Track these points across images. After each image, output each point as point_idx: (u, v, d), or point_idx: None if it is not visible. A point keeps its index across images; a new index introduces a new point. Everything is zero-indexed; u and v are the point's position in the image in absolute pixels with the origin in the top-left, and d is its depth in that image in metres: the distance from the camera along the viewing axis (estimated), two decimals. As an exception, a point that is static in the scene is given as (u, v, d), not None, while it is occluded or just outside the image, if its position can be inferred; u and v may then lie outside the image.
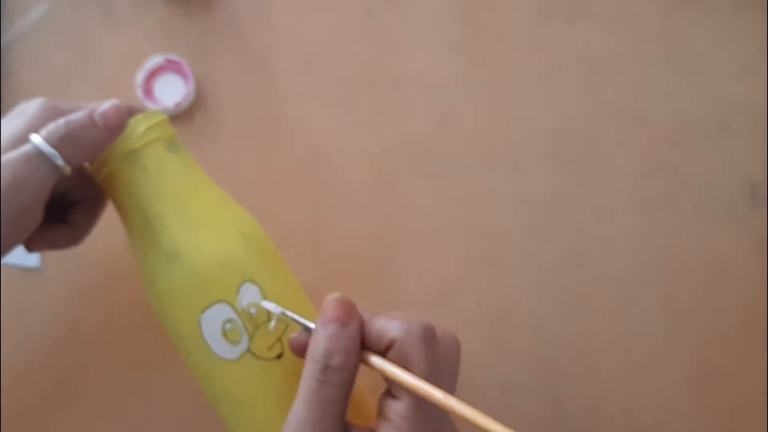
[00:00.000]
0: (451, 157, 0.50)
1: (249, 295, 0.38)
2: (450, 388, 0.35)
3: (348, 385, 0.33)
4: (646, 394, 0.46)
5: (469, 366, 0.47)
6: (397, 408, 0.33)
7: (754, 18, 0.51)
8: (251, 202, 0.49)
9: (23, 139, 0.36)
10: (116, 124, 0.37)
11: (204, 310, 0.38)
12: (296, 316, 0.37)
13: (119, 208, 0.40)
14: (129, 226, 0.39)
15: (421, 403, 0.32)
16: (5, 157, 0.36)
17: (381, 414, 0.34)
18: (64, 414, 0.47)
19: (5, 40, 0.52)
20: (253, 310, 0.38)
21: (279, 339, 0.38)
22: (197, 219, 0.39)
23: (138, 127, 0.38)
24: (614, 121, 0.50)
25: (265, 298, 0.38)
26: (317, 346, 0.33)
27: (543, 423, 0.46)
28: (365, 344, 0.34)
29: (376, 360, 0.34)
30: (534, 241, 0.48)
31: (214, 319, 0.38)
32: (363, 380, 0.39)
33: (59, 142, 0.36)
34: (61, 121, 0.36)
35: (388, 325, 0.33)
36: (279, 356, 0.38)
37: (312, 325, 0.35)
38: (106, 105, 0.37)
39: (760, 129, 0.50)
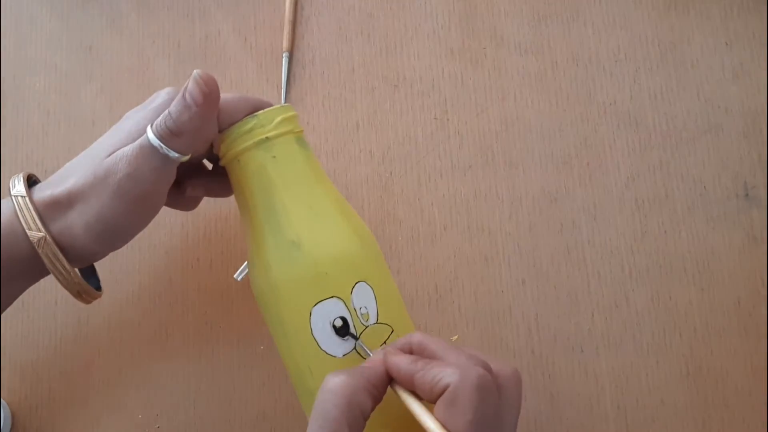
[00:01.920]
0: (449, 157, 0.50)
1: (363, 295, 0.38)
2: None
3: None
4: (639, 389, 0.47)
5: (466, 362, 0.47)
6: None
7: (746, 22, 0.52)
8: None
9: (142, 131, 0.38)
10: (203, 96, 0.37)
11: (317, 303, 0.37)
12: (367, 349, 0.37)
13: (242, 191, 0.40)
14: (249, 211, 0.39)
15: None
16: (123, 150, 0.37)
17: None
18: (69, 410, 0.47)
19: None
20: (363, 310, 0.38)
21: (384, 343, 0.38)
22: (320, 213, 0.39)
23: (274, 116, 0.39)
24: (608, 122, 0.51)
25: (377, 299, 0.38)
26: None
27: (538, 418, 0.46)
28: (420, 390, 0.34)
29: (400, 391, 0.34)
30: (529, 240, 0.49)
31: (325, 314, 0.37)
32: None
33: (165, 134, 0.37)
34: (167, 111, 0.37)
35: (443, 373, 0.33)
36: None
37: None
38: (188, 81, 0.37)
39: (752, 130, 0.50)
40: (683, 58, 0.51)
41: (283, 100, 0.51)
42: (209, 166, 0.45)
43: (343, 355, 0.37)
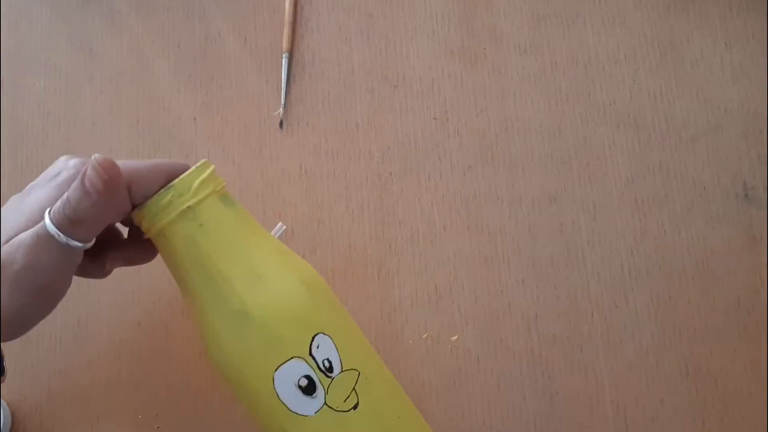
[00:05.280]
0: (448, 157, 0.51)
1: (322, 347, 0.37)
2: None
3: None
4: (639, 389, 0.47)
5: (466, 362, 0.47)
6: None
7: (745, 22, 0.52)
8: (252, 203, 0.50)
9: (43, 213, 0.35)
10: (103, 184, 0.34)
11: (277, 368, 0.36)
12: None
13: (174, 265, 0.38)
14: (187, 285, 0.37)
15: None
16: (20, 237, 0.35)
17: None
18: (69, 410, 0.47)
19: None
20: (326, 363, 0.36)
21: (353, 389, 0.37)
22: (261, 273, 0.37)
23: (192, 182, 0.37)
24: (607, 122, 0.51)
25: (337, 347, 0.37)
26: None
27: (538, 418, 0.47)
28: None
29: None
30: (529, 240, 0.49)
31: (288, 376, 0.36)
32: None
33: (64, 222, 0.34)
34: (65, 197, 0.34)
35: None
36: (355, 407, 0.37)
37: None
38: (86, 167, 0.34)
39: (752, 130, 0.50)
40: (683, 58, 0.52)
41: (282, 101, 0.51)
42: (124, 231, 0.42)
43: (315, 412, 0.36)
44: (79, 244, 0.35)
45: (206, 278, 0.36)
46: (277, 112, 0.52)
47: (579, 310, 0.48)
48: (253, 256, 0.37)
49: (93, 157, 0.34)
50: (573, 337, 0.48)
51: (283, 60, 0.52)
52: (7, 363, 0.40)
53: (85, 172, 0.34)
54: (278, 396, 0.36)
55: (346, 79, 0.52)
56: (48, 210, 0.35)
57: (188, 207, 0.36)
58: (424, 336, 0.48)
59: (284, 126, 0.51)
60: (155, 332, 0.48)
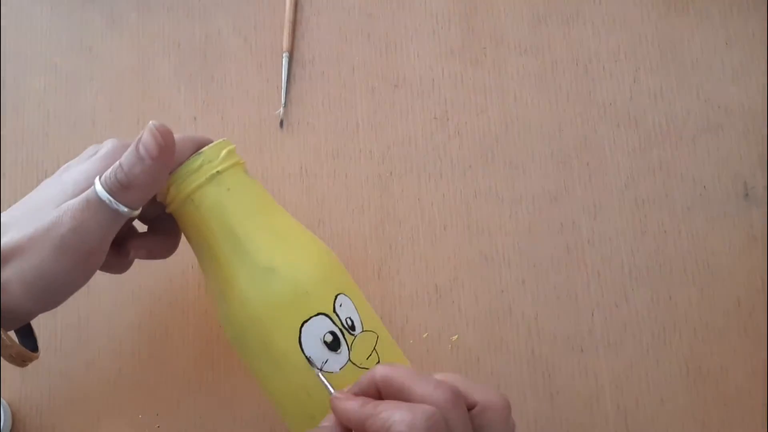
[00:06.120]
0: (449, 157, 0.51)
1: (345, 306, 0.38)
2: None
3: None
4: (639, 389, 0.47)
5: (466, 362, 0.48)
6: None
7: (746, 22, 0.52)
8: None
9: (90, 182, 0.36)
10: (158, 149, 0.35)
11: (304, 323, 0.37)
12: (327, 384, 0.36)
13: (199, 232, 0.39)
14: (212, 249, 0.38)
15: None
16: (69, 203, 0.35)
17: None
18: (69, 410, 0.47)
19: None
20: (348, 321, 0.38)
21: (374, 349, 0.38)
22: (286, 236, 0.39)
23: (220, 150, 0.39)
24: (608, 121, 0.51)
25: (357, 308, 0.39)
26: None
27: (538, 417, 0.47)
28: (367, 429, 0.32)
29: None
30: (530, 240, 0.49)
31: (314, 332, 0.37)
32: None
33: (115, 187, 0.35)
34: (117, 163, 0.35)
35: (392, 418, 0.31)
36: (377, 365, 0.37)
37: (333, 392, 0.35)
38: (143, 132, 0.36)
39: (752, 130, 0.50)
40: (683, 58, 0.52)
41: (283, 100, 0.51)
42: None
43: (340, 369, 0.37)
44: (126, 210, 0.36)
45: (233, 239, 0.38)
46: (277, 112, 0.52)
47: (579, 310, 0.48)
48: (277, 221, 0.39)
49: (150, 123, 0.35)
50: (573, 337, 0.48)
51: (284, 60, 0.52)
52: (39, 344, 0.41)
53: (140, 138, 0.35)
54: (303, 351, 0.37)
55: (346, 79, 0.52)
56: (98, 177, 0.36)
57: (217, 172, 0.38)
58: (425, 336, 0.48)
59: (284, 126, 0.51)
60: (155, 332, 0.48)
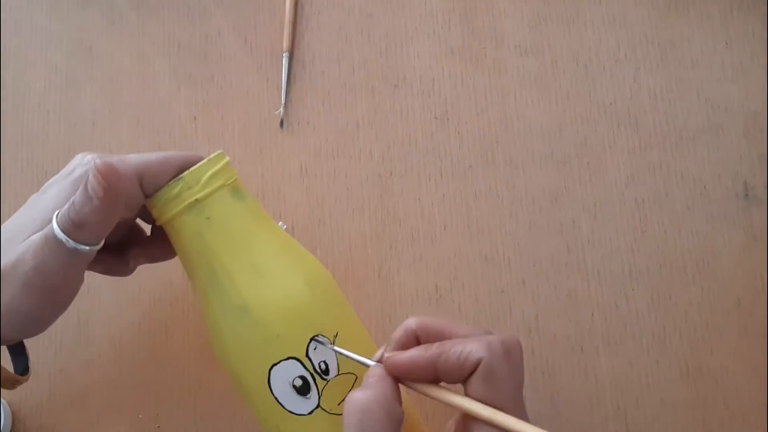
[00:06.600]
0: (449, 157, 0.51)
1: (320, 349, 0.36)
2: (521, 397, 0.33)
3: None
4: (639, 389, 0.47)
5: (466, 362, 0.47)
6: None
7: (746, 22, 0.52)
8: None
9: (57, 210, 0.35)
10: (103, 190, 0.34)
11: (273, 365, 0.36)
12: (352, 355, 0.36)
13: (182, 255, 0.38)
14: (193, 275, 0.38)
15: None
16: (33, 237, 0.35)
17: None
18: (69, 410, 0.47)
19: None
20: (322, 366, 0.37)
21: (351, 389, 0.37)
22: (264, 271, 0.37)
23: (202, 174, 0.37)
24: (608, 121, 0.51)
25: (339, 347, 0.37)
26: None
27: (538, 417, 0.46)
28: (447, 374, 0.32)
29: (464, 403, 0.32)
30: (529, 240, 0.49)
31: (283, 375, 0.36)
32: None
33: (69, 226, 0.34)
34: (71, 200, 0.34)
35: (468, 349, 0.31)
36: None
37: (370, 363, 0.35)
38: (90, 172, 0.34)
39: (752, 130, 0.50)
40: (683, 58, 0.52)
41: (283, 100, 0.51)
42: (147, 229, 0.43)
43: (309, 413, 0.36)
44: (86, 247, 0.35)
45: (210, 272, 0.37)
46: (277, 112, 0.52)
47: (579, 310, 0.48)
48: (258, 252, 0.37)
49: (93, 162, 0.34)
50: (573, 337, 0.48)
51: (284, 59, 0.52)
52: (31, 364, 0.40)
53: (87, 178, 0.34)
54: (273, 393, 0.36)
55: (346, 78, 0.52)
56: (56, 212, 0.35)
57: (196, 200, 0.36)
58: (425, 336, 0.48)
59: (284, 125, 0.51)
60: (155, 333, 0.48)
